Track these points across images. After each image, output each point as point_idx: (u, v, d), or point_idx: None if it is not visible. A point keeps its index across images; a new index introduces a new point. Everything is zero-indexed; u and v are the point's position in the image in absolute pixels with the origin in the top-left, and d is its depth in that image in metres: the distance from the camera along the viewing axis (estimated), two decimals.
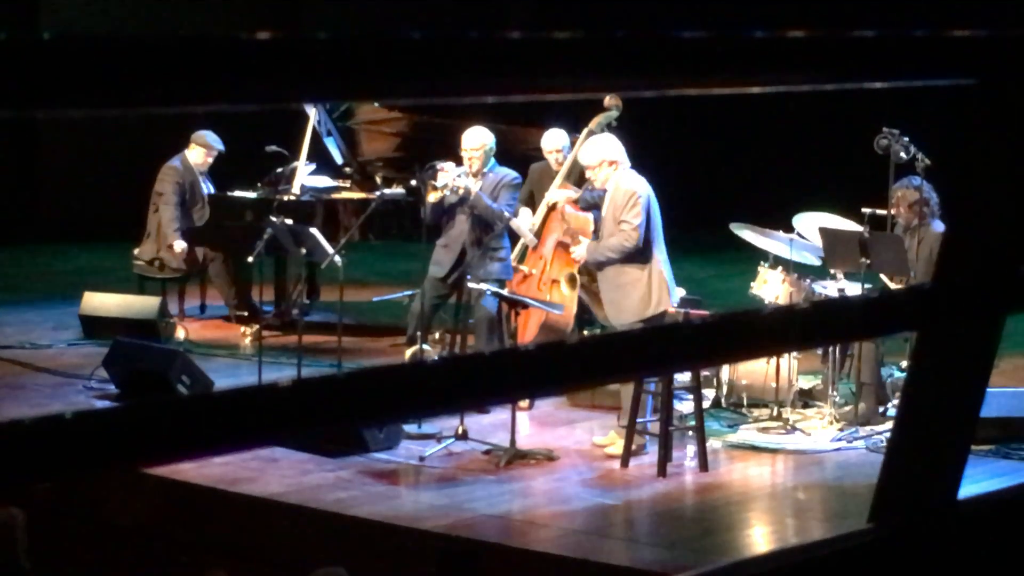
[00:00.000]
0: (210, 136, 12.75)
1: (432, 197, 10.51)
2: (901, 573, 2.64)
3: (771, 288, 10.33)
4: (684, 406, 9.91)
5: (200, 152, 12.73)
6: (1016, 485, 3.43)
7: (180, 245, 12.41)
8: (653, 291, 9.37)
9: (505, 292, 10.10)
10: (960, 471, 2.63)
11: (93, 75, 1.77)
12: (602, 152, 9.52)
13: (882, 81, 2.54)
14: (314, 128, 12.65)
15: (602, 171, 9.51)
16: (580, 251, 9.87)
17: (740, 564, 3.10)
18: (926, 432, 2.62)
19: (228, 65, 1.83)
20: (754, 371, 10.28)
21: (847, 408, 10.15)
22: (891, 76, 2.49)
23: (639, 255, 9.36)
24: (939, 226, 10.00)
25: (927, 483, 2.64)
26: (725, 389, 10.42)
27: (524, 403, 10.37)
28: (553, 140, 11.20)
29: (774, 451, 9.65)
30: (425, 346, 10.54)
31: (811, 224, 10.50)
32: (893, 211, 10.18)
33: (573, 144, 11.17)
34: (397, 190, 12.01)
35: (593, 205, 10.78)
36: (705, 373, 10.16)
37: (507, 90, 2.11)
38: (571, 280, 10.57)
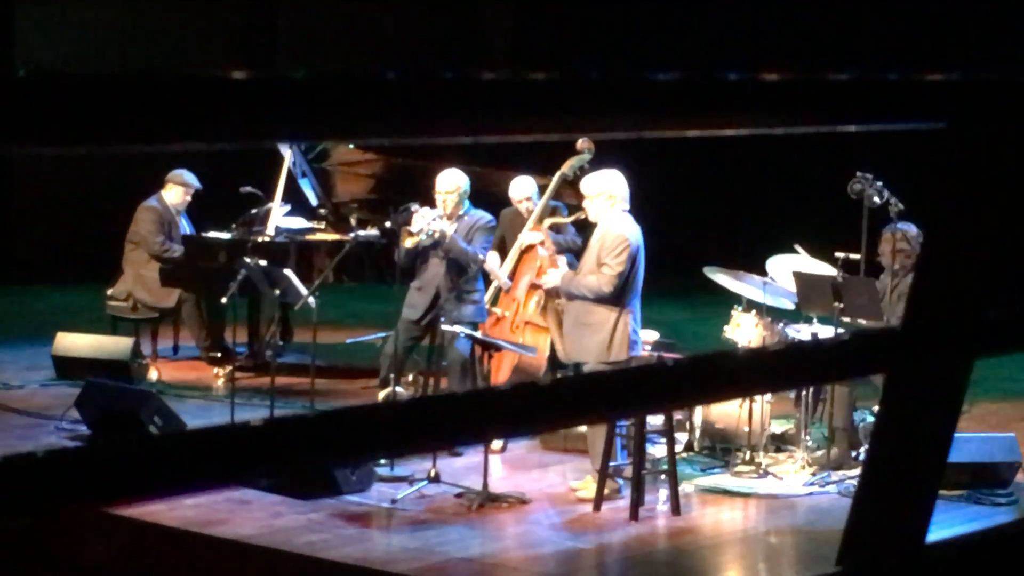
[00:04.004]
0: (187, 174, 12.76)
1: (408, 243, 10.50)
2: None
3: (744, 332, 10.35)
4: (657, 450, 9.91)
5: (178, 191, 12.74)
6: (983, 529, 3.44)
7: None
8: (616, 338, 9.34)
9: (479, 335, 10.10)
10: (928, 513, 2.64)
11: (69, 113, 1.77)
12: (603, 185, 9.45)
13: (854, 124, 2.56)
14: (289, 169, 12.66)
15: (598, 203, 9.44)
16: (554, 277, 9.82)
17: None
18: (895, 474, 2.63)
19: (204, 103, 1.83)
20: (727, 415, 10.28)
21: (819, 452, 10.16)
22: (863, 119, 2.51)
23: (611, 300, 9.35)
24: None
25: (895, 525, 2.64)
26: (698, 433, 10.41)
27: (497, 446, 10.36)
28: (521, 189, 11.20)
29: (746, 495, 9.65)
30: (398, 388, 10.53)
31: (784, 268, 10.54)
32: (880, 250, 10.30)
33: (542, 189, 11.19)
34: (371, 232, 12.01)
35: (565, 248, 10.82)
36: (678, 417, 10.16)
37: (483, 130, 2.12)
38: (538, 304, 10.57)
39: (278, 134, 2.10)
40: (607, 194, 9.42)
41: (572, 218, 10.45)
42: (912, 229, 10.30)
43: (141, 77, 1.80)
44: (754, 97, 2.24)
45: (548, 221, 10.62)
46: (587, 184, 9.54)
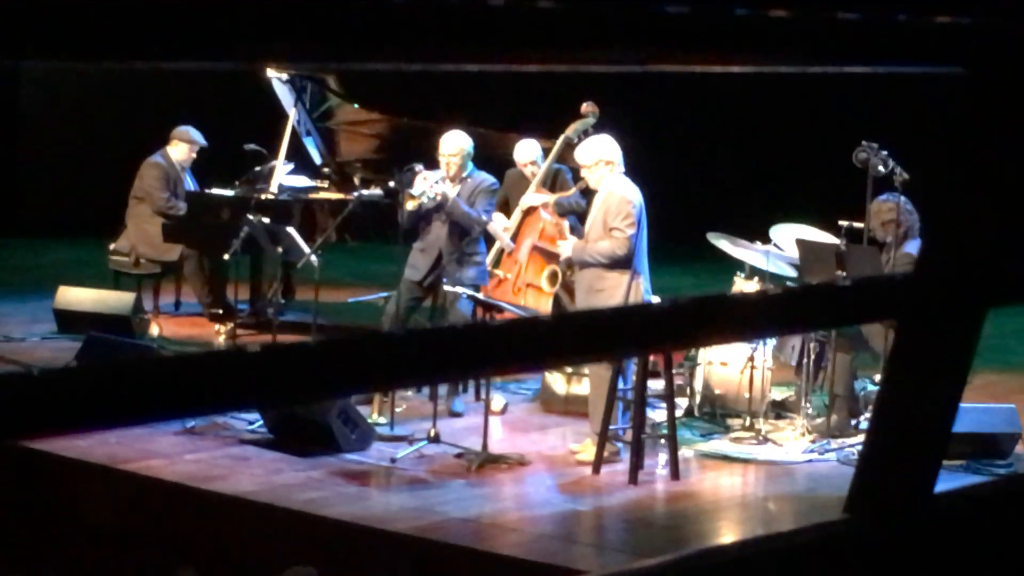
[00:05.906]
0: (192, 131, 12.74)
1: (410, 205, 10.45)
2: (876, 562, 2.62)
3: None
4: (657, 414, 9.90)
5: (184, 148, 12.71)
6: (990, 480, 3.42)
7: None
8: (629, 302, 9.32)
9: (481, 296, 10.08)
10: (937, 464, 2.62)
11: (75, 27, 1.74)
12: (600, 152, 9.44)
13: (864, 65, 2.52)
14: (293, 127, 12.62)
15: (597, 171, 9.42)
16: (566, 248, 9.79)
17: (718, 550, 3.08)
18: (904, 424, 2.60)
19: (208, 22, 1.81)
20: (728, 381, 10.27)
21: (819, 420, 10.15)
22: (874, 60, 2.48)
23: (622, 263, 9.31)
24: (912, 247, 9.92)
25: (903, 475, 2.62)
26: (699, 398, 10.40)
27: (497, 407, 10.35)
28: (526, 152, 11.18)
29: (746, 461, 9.64)
30: None
31: (788, 235, 10.50)
32: (871, 225, 10.16)
33: (547, 152, 11.16)
34: (375, 191, 11.97)
35: (569, 211, 10.78)
36: (679, 382, 10.15)
37: (487, 59, 2.09)
38: (552, 277, 10.58)
39: (283, 56, 2.07)
40: (604, 160, 9.41)
41: (575, 189, 10.44)
42: (896, 199, 10.08)
43: None
44: (762, 33, 2.21)
45: (555, 197, 10.60)
46: (582, 153, 9.51)
